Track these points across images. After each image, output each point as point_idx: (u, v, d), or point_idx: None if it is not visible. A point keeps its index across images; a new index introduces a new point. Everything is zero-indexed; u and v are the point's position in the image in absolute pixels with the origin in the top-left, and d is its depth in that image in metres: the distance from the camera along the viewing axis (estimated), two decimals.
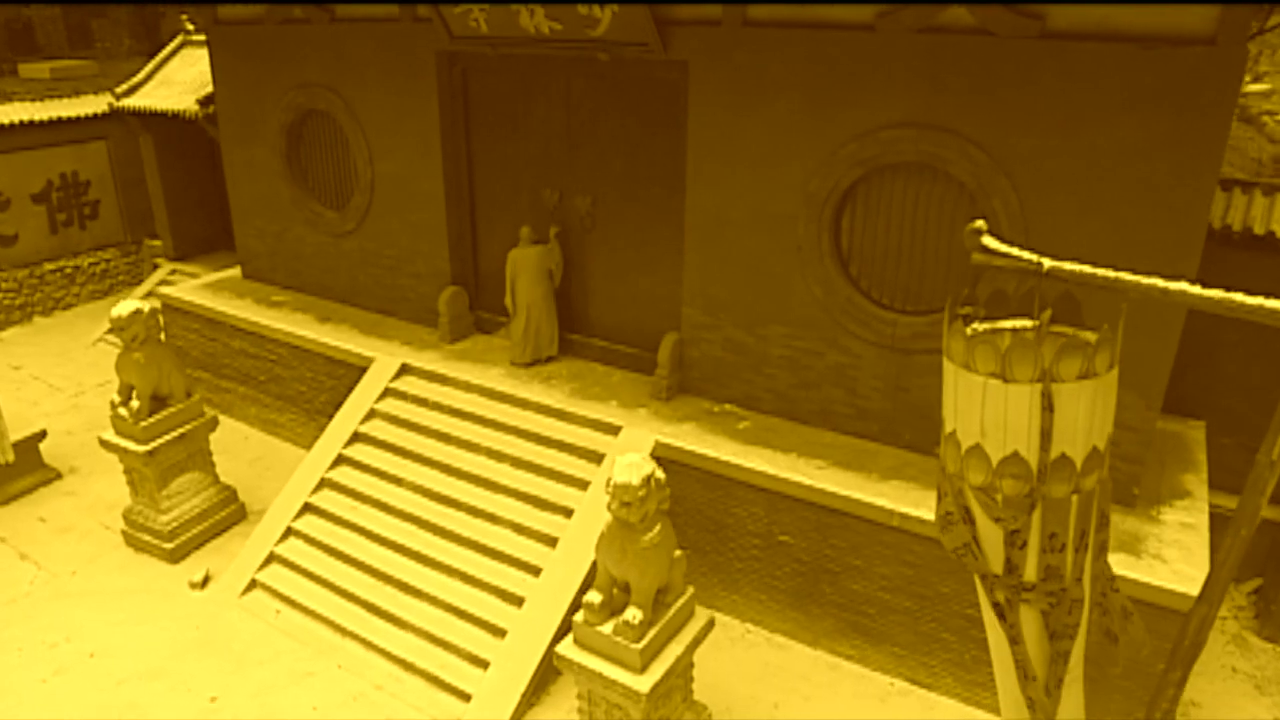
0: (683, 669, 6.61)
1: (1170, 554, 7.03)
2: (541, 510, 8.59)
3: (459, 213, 10.52)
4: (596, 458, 8.70)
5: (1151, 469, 7.97)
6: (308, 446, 11.35)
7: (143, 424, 9.06)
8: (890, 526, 7.63)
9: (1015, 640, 3.75)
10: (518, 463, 8.98)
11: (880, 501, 7.64)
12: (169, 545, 9.41)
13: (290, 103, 11.15)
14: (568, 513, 8.42)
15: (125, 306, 8.88)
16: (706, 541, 8.56)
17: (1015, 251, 3.64)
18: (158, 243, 15.47)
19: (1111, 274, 3.48)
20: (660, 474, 6.01)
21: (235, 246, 13.82)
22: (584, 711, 6.70)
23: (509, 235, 10.18)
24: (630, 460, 5.98)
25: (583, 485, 8.56)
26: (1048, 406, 3.23)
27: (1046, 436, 3.27)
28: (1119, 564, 6.79)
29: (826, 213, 8.09)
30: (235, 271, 12.96)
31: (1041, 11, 6.81)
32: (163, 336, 9.34)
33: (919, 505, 7.58)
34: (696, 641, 6.57)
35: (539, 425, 9.18)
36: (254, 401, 11.80)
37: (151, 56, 15.53)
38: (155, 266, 15.25)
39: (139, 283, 15.84)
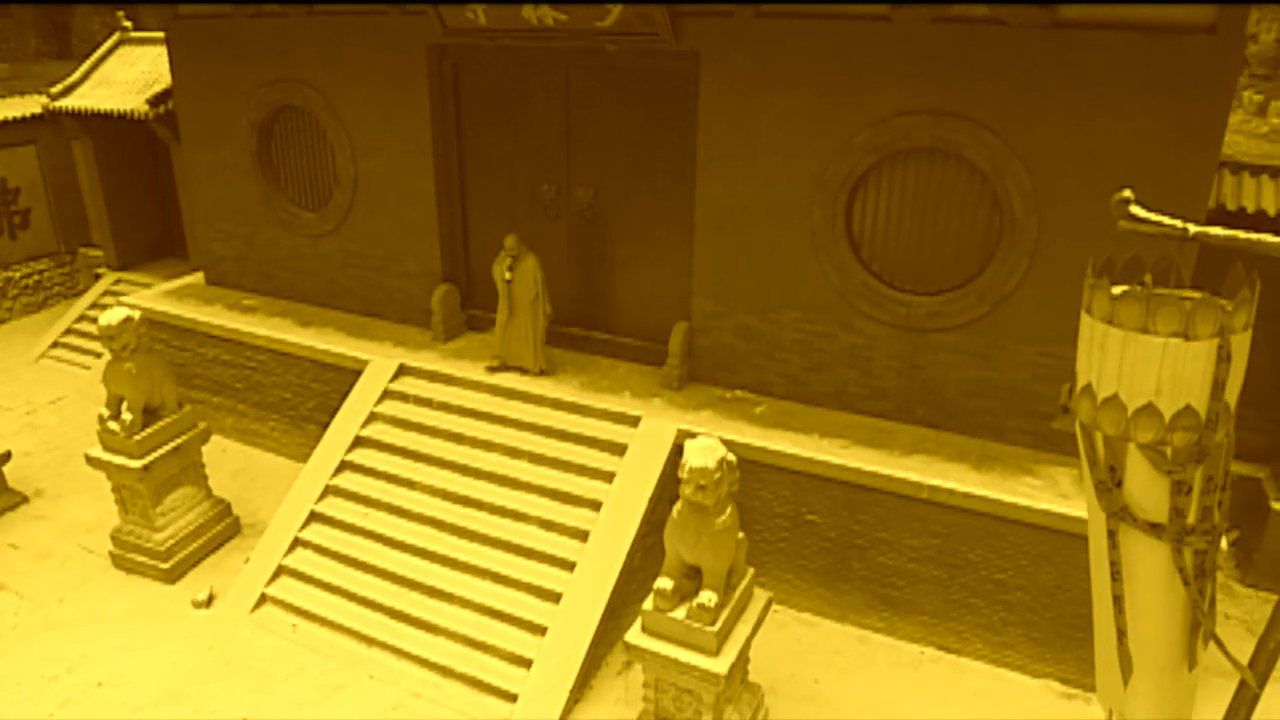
0: (748, 649, 6.71)
1: None
2: (568, 505, 8.55)
3: (450, 210, 10.35)
4: (619, 449, 8.70)
5: None
6: (294, 456, 11.02)
7: (137, 438, 8.62)
8: (920, 499, 7.89)
9: (1188, 581, 3.94)
10: (536, 459, 8.91)
11: (910, 475, 7.90)
12: (166, 565, 8.98)
13: (263, 99, 10.75)
14: (595, 506, 8.40)
15: (114, 314, 8.43)
16: None
17: (1160, 218, 3.85)
18: (96, 252, 14.66)
19: (1254, 236, 3.70)
20: (731, 457, 6.08)
21: (186, 253, 13.29)
22: (650, 700, 6.72)
23: (503, 231, 10.06)
24: (704, 444, 6.04)
25: (608, 478, 8.55)
26: (1225, 358, 3.44)
27: (1220, 386, 3.48)
28: None
29: (841, 199, 8.29)
30: (195, 278, 12.40)
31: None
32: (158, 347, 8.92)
33: (945, 477, 7.88)
34: (760, 621, 6.68)
35: (554, 420, 9.12)
36: (230, 412, 11.34)
37: (61, 58, 14.73)
38: (97, 276, 14.43)
39: (76, 294, 14.98)
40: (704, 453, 5.96)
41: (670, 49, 8.51)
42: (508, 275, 9.29)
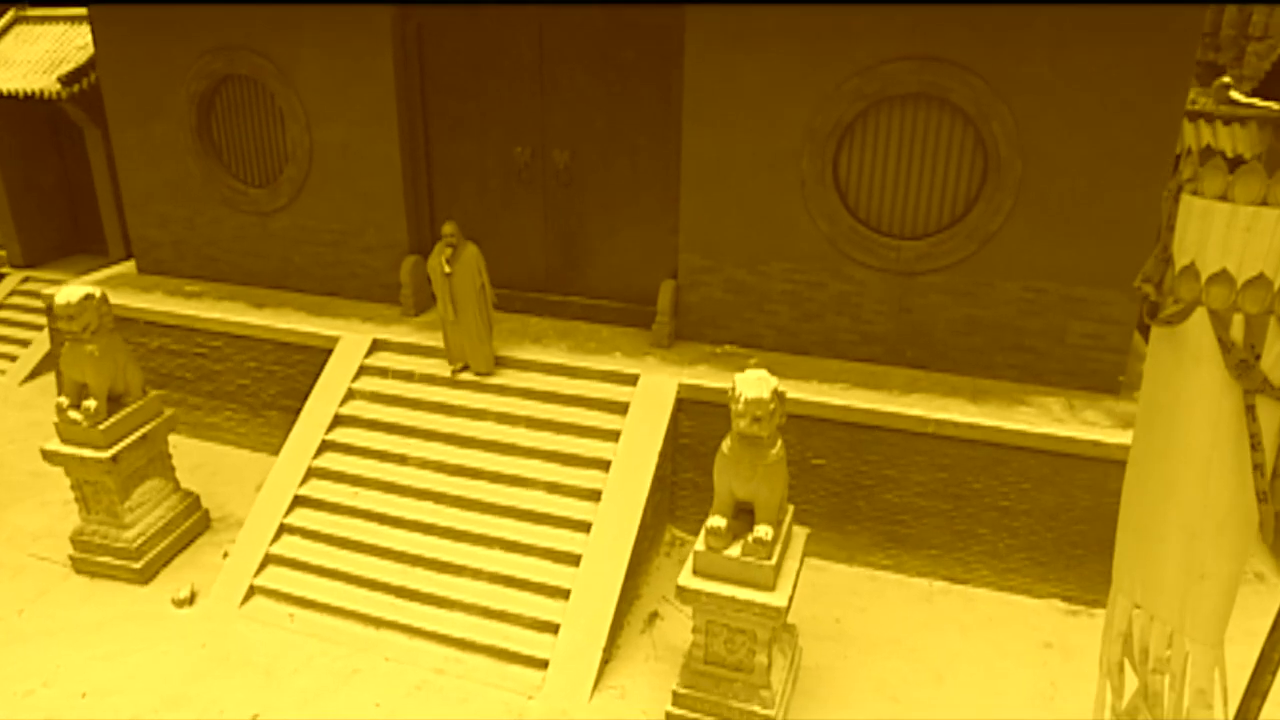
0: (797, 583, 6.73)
1: None
2: (574, 467, 8.38)
3: (416, 177, 9.97)
4: (620, 408, 8.59)
5: None
6: (256, 447, 10.44)
7: (102, 426, 7.96)
8: (925, 434, 8.10)
9: (1256, 446, 4.15)
10: (533, 423, 8.69)
11: (915, 410, 8.10)
12: (137, 565, 8.33)
13: (203, 69, 10.08)
14: (604, 465, 8.26)
15: (73, 292, 7.76)
16: None
17: (1259, 102, 4.04)
18: None
19: None
20: (781, 387, 6.08)
21: (104, 248, 12.40)
22: (699, 645, 6.65)
23: (472, 198, 9.80)
24: (756, 375, 6.02)
25: (612, 436, 8.43)
26: None
27: None
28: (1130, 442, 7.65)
29: (830, 147, 8.42)
30: (123, 268, 11.55)
31: None
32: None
33: (946, 411, 8.12)
34: (804, 555, 6.72)
35: (547, 384, 8.92)
36: (180, 405, 10.59)
37: None
38: (0, 276, 13.24)
39: None
40: (757, 384, 5.94)
41: (654, 1, 8.46)
42: (446, 268, 8.58)
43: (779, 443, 6.21)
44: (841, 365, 8.93)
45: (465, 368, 9.11)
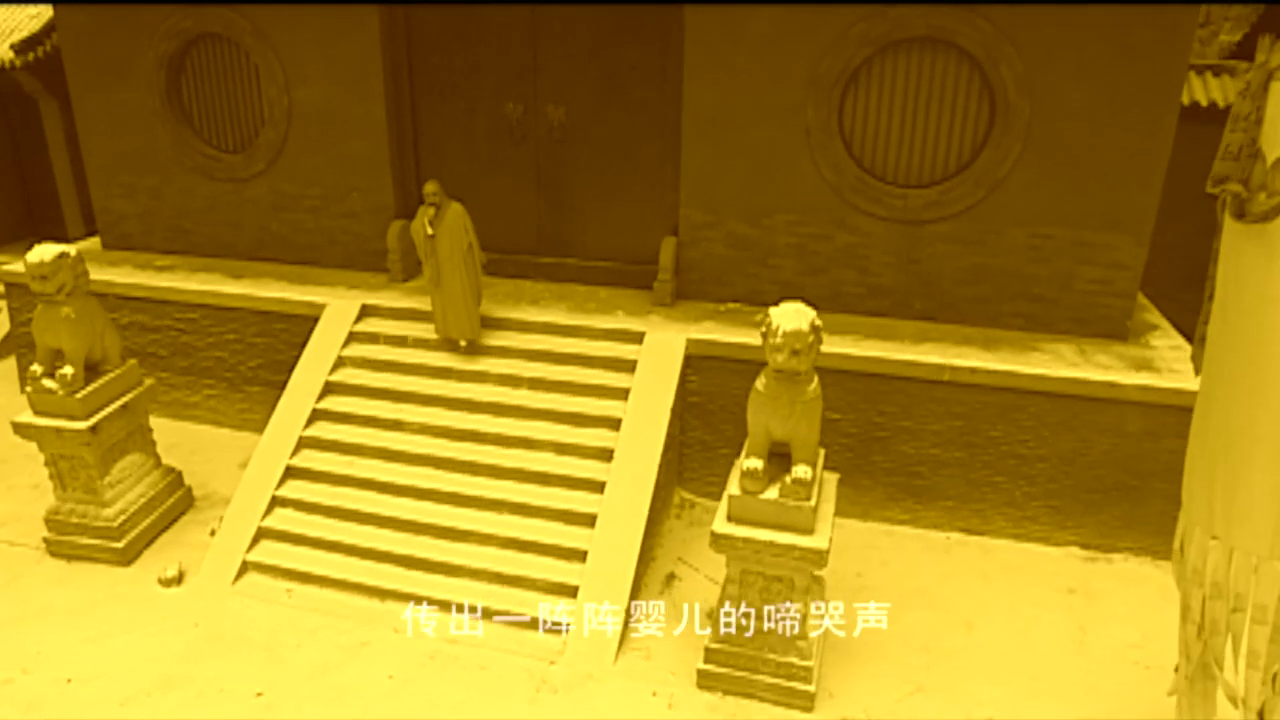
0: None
1: (1180, 368, 7.88)
2: (583, 426, 8.08)
3: (401, 138, 9.58)
4: (627, 366, 8.31)
5: None
6: (236, 424, 9.95)
7: (80, 395, 7.45)
8: (942, 381, 7.97)
9: None
10: (537, 384, 8.37)
11: (931, 358, 7.97)
12: (119, 544, 7.81)
13: (173, 28, 9.55)
14: (614, 424, 7.98)
15: (46, 250, 7.25)
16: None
17: None
18: None
19: None
20: (819, 320, 5.86)
21: (63, 230, 11.75)
22: (734, 598, 6.38)
23: (461, 158, 9.45)
24: (793, 308, 5.80)
25: (621, 395, 8.14)
26: None
27: None
28: (1148, 382, 7.61)
29: (835, 94, 8.25)
30: (87, 245, 10.92)
31: None
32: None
33: (962, 359, 8.00)
34: (835, 498, 6.51)
35: (550, 344, 8.61)
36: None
37: None
38: None
39: None
40: (795, 316, 5.72)
41: None
42: (429, 230, 8.16)
43: (815, 378, 5.99)
44: (848, 319, 8.75)
45: (451, 340, 8.68)
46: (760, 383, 5.99)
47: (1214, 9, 13.68)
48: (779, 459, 6.22)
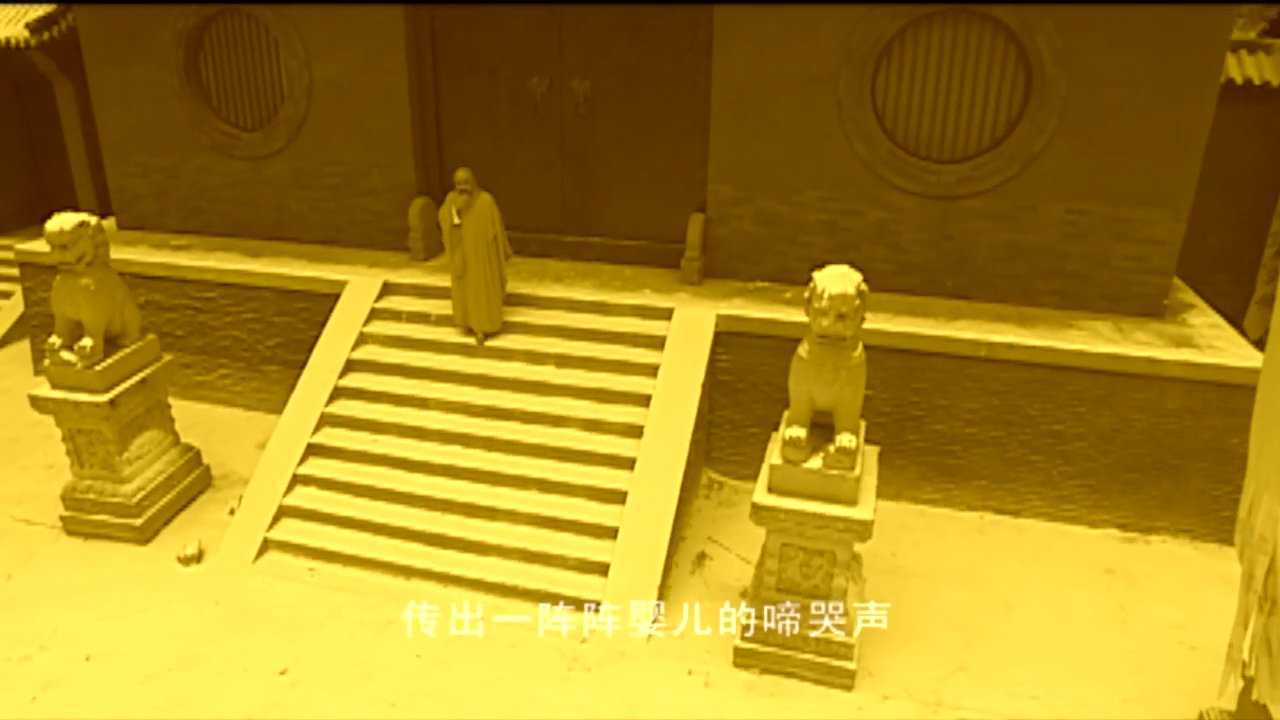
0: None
1: (1220, 345, 7.73)
2: (611, 403, 7.92)
3: (424, 114, 9.43)
4: (656, 342, 8.16)
5: None
6: (252, 405, 9.80)
7: (99, 367, 7.29)
8: (978, 358, 7.82)
9: None
10: (564, 360, 8.22)
11: (967, 334, 7.81)
12: (137, 521, 7.65)
13: (193, 4, 9.41)
14: (644, 400, 7.82)
15: (66, 219, 7.09)
16: (779, 413, 8.25)
17: None
18: None
19: None
20: (865, 285, 5.70)
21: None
22: (772, 572, 6.22)
23: (484, 135, 9.30)
24: (839, 271, 5.65)
25: (650, 371, 7.99)
26: None
27: None
28: (1190, 358, 7.45)
29: (868, 67, 8.11)
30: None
31: None
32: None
33: (999, 334, 7.85)
34: (877, 471, 6.35)
35: (576, 321, 8.46)
36: None
37: None
38: None
39: None
40: (842, 279, 5.57)
41: None
42: (456, 219, 8.02)
43: (860, 344, 5.84)
44: (880, 297, 8.50)
45: (471, 331, 8.49)
46: (803, 349, 5.84)
47: None
48: (818, 431, 6.07)
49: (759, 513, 5.96)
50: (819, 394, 5.81)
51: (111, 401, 7.33)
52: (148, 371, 7.71)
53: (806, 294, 5.70)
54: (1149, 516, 7.93)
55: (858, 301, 5.56)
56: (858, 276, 5.62)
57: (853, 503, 5.84)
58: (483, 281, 8.20)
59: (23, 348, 11.26)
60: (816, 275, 5.66)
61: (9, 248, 11.79)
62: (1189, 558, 7.79)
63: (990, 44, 7.98)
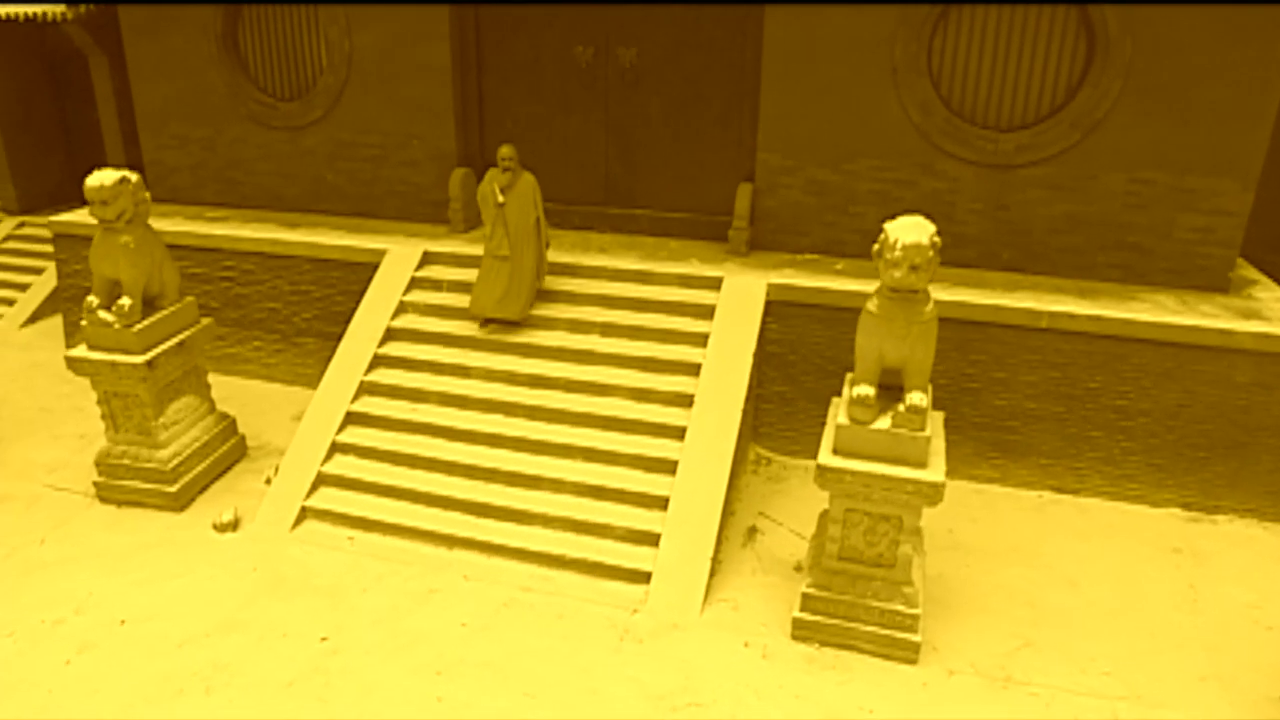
0: None
1: None
2: (659, 373, 7.70)
3: (465, 82, 9.26)
4: (705, 312, 7.94)
5: None
6: (287, 379, 9.65)
7: (137, 328, 7.12)
8: (1038, 329, 7.56)
9: None
10: (609, 329, 8.01)
11: (1027, 304, 7.56)
12: (172, 488, 7.47)
13: None
14: (693, 369, 7.60)
15: (106, 175, 6.93)
16: (830, 386, 8.04)
17: None
18: None
19: None
20: (938, 236, 5.47)
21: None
22: (835, 539, 5.97)
23: (526, 103, 9.12)
24: (911, 220, 5.42)
25: (700, 341, 7.76)
26: None
27: None
28: (1263, 330, 7.17)
29: (925, 30, 7.89)
30: None
31: None
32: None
33: (1060, 304, 7.59)
34: (944, 435, 6.09)
35: (620, 290, 8.25)
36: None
37: None
38: None
39: None
40: (915, 229, 5.34)
41: None
42: (500, 198, 7.74)
43: (932, 299, 5.60)
44: None
45: (487, 321, 8.17)
46: (873, 304, 5.60)
47: None
48: (884, 392, 5.83)
49: (824, 475, 5.71)
50: (889, 350, 5.57)
51: (149, 363, 7.16)
52: (185, 334, 7.55)
53: (877, 246, 5.47)
54: (1215, 495, 7.64)
55: (931, 253, 5.32)
56: (931, 227, 5.39)
57: (922, 464, 5.59)
58: (525, 267, 7.90)
59: (55, 323, 11.14)
60: (888, 225, 5.43)
61: (41, 226, 11.72)
62: (1258, 538, 7.49)
63: (1052, 7, 7.74)
